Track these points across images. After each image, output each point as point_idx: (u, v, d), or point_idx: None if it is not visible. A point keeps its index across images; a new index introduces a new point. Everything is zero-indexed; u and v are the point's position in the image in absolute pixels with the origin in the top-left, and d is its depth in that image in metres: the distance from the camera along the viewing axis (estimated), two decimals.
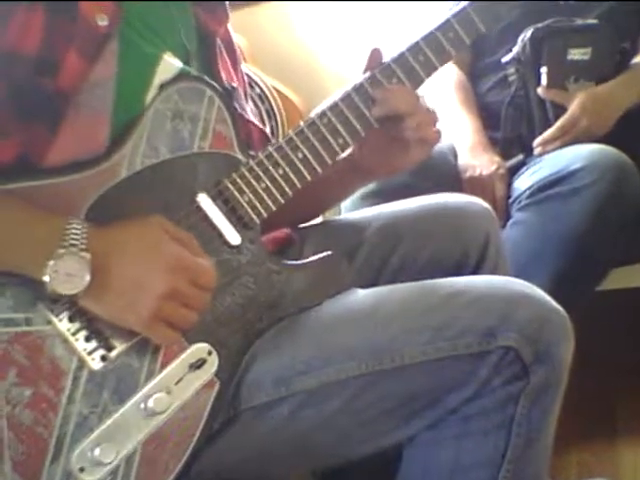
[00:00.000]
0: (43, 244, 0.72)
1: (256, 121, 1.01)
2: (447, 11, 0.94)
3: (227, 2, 0.98)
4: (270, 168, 0.87)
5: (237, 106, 0.96)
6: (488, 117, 1.56)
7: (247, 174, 0.86)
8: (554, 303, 0.85)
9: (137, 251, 0.75)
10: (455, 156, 1.52)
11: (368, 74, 0.91)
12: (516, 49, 1.48)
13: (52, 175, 0.78)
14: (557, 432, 0.87)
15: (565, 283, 1.29)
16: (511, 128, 1.51)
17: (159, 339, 0.77)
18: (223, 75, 0.96)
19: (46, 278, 0.71)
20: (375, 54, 0.92)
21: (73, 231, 0.72)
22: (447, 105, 1.58)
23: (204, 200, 0.84)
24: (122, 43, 0.81)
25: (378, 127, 0.92)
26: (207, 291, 0.78)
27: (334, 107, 0.90)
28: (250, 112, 1.01)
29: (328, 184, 0.97)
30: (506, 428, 0.83)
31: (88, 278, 0.71)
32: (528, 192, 1.36)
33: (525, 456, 0.84)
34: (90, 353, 0.75)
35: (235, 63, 1.02)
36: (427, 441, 0.85)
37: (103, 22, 0.79)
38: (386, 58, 0.93)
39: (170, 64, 0.84)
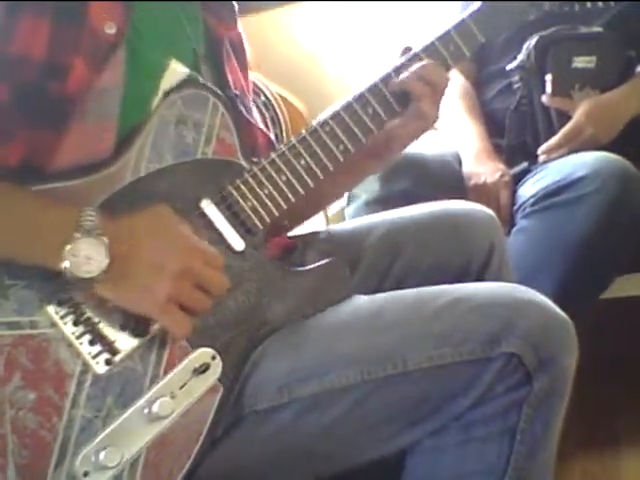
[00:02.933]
0: (58, 230, 0.72)
1: (262, 126, 1.02)
2: (448, 19, 0.95)
3: (235, 8, 0.99)
4: (273, 174, 0.87)
5: (243, 110, 0.96)
6: (493, 125, 1.56)
7: (250, 180, 0.86)
8: (558, 310, 0.85)
9: (150, 235, 0.75)
10: (459, 163, 1.52)
11: (369, 84, 0.93)
12: (521, 57, 1.48)
13: (57, 179, 0.78)
14: (561, 439, 0.87)
15: (569, 291, 1.28)
16: (516, 135, 1.51)
17: (173, 325, 0.76)
18: (230, 79, 0.96)
19: (66, 263, 0.71)
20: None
21: (88, 217, 0.72)
22: (452, 113, 1.58)
23: (208, 206, 0.84)
24: (129, 51, 0.81)
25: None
26: (219, 271, 0.78)
27: (335, 115, 0.91)
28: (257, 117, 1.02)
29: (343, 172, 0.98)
30: (509, 435, 0.83)
31: (107, 260, 0.72)
32: (532, 199, 1.36)
33: (528, 464, 0.84)
34: (94, 357, 0.75)
35: (244, 66, 1.02)
36: (429, 448, 0.85)
37: (111, 30, 0.79)
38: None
39: (177, 71, 0.85)
